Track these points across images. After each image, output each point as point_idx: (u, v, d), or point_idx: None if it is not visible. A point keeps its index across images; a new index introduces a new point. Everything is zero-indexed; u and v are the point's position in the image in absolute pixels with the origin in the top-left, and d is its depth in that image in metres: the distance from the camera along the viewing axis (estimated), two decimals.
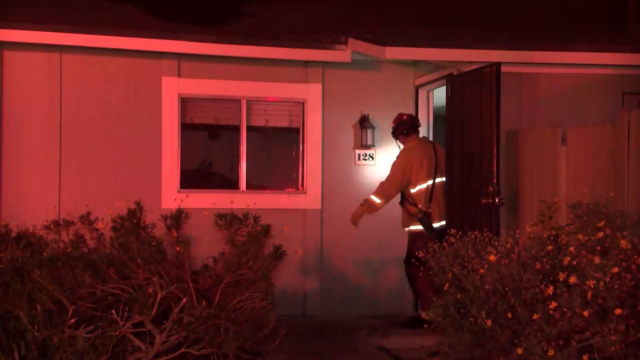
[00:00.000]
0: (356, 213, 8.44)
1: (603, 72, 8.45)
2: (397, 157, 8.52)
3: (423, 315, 7.86)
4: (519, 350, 4.77)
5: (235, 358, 6.24)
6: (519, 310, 5.04)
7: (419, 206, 8.30)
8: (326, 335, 7.93)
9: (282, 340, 6.61)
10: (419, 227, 8.30)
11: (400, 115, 8.68)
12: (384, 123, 9.34)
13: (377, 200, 8.33)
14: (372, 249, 9.23)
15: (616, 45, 8.61)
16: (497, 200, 7.89)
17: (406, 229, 8.51)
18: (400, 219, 8.63)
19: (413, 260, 7.99)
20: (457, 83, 8.70)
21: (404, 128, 8.55)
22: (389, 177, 8.42)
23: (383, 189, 8.38)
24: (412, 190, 8.36)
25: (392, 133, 8.68)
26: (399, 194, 8.50)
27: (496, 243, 5.91)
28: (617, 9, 9.98)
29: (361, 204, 8.42)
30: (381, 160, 9.38)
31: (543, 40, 8.60)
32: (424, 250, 7.58)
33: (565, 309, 4.69)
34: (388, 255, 9.20)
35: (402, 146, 8.62)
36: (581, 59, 8.41)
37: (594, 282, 4.61)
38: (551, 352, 4.60)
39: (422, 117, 9.52)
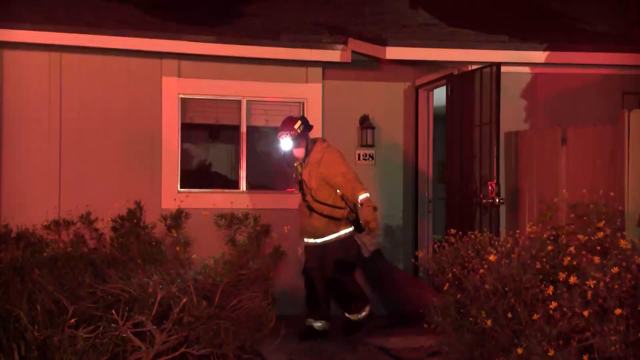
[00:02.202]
0: (376, 218, 7.60)
1: (603, 72, 8.46)
2: (336, 157, 7.78)
3: (354, 317, 7.89)
4: (519, 351, 4.78)
5: (235, 358, 6.26)
6: (519, 310, 5.05)
7: (350, 207, 7.72)
8: (326, 335, 7.91)
9: (282, 340, 6.62)
10: (348, 230, 7.73)
11: (295, 118, 7.98)
12: (384, 123, 9.37)
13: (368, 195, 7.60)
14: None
15: (616, 45, 8.62)
16: (497, 200, 7.91)
17: (331, 236, 7.73)
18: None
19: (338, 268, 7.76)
20: (457, 83, 8.73)
21: (308, 129, 7.89)
22: (352, 175, 7.66)
23: (362, 184, 7.65)
24: (339, 191, 7.71)
25: (298, 135, 7.75)
26: (314, 200, 7.74)
27: (496, 243, 5.93)
28: (617, 9, 9.97)
29: (374, 208, 7.55)
30: (381, 160, 9.43)
31: (543, 40, 8.59)
32: (356, 255, 7.82)
33: (565, 309, 4.70)
34: (389, 254, 9.22)
35: (300, 150, 7.80)
36: (581, 59, 8.43)
37: (594, 282, 4.62)
38: (551, 352, 4.61)
39: (422, 117, 9.58)
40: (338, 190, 7.70)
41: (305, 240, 7.89)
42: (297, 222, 8.84)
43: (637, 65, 8.38)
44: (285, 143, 7.81)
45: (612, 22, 9.64)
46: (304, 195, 7.81)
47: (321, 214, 7.69)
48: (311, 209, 7.71)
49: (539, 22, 9.87)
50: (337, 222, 7.70)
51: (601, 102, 8.40)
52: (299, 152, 7.83)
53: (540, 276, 5.10)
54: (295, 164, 7.93)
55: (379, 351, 7.19)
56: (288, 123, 7.84)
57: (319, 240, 7.77)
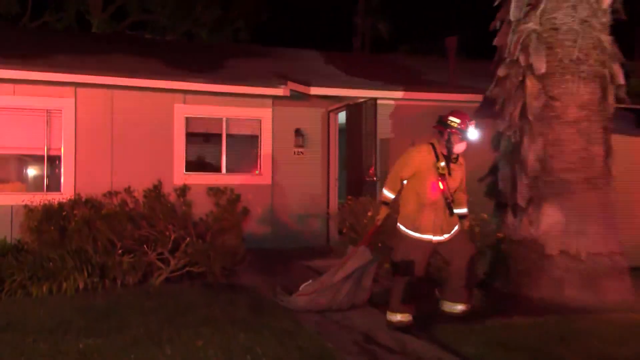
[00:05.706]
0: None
1: (435, 104, 8.38)
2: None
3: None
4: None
5: (220, 273, 6.34)
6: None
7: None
8: (275, 260, 7.80)
9: (248, 264, 6.71)
10: None
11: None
12: (310, 133, 9.41)
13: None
14: (303, 207, 9.21)
15: (440, 88, 8.73)
16: (374, 178, 8.09)
17: (456, 227, 4.85)
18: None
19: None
20: (352, 109, 8.87)
21: None
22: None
23: None
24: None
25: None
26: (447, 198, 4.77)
27: (372, 204, 6.11)
28: (444, 65, 10.19)
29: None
30: (308, 156, 9.42)
31: (401, 84, 8.73)
32: None
33: None
34: (313, 211, 9.31)
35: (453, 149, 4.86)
36: (411, 96, 8.45)
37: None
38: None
39: (332, 130, 9.53)
40: None
41: (433, 237, 4.71)
42: (257, 192, 8.78)
43: (452, 100, 8.35)
44: (475, 133, 4.73)
45: (440, 74, 9.90)
46: (446, 197, 4.73)
47: (452, 212, 4.77)
48: (451, 209, 4.73)
49: (399, 73, 10.10)
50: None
51: (435, 121, 8.54)
52: (464, 147, 4.85)
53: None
54: (442, 164, 4.79)
55: (307, 269, 7.13)
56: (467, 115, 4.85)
57: (450, 234, 4.79)
